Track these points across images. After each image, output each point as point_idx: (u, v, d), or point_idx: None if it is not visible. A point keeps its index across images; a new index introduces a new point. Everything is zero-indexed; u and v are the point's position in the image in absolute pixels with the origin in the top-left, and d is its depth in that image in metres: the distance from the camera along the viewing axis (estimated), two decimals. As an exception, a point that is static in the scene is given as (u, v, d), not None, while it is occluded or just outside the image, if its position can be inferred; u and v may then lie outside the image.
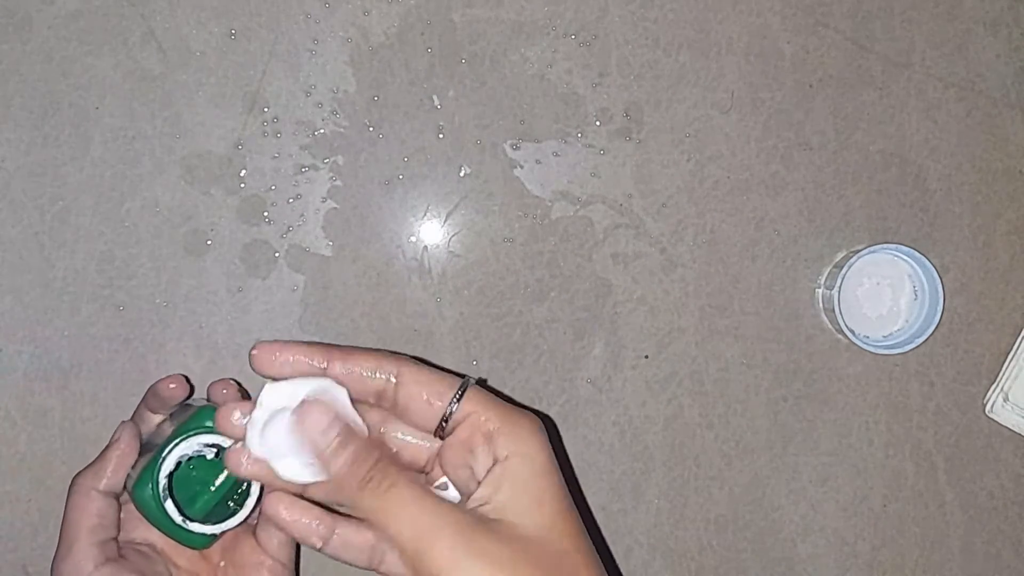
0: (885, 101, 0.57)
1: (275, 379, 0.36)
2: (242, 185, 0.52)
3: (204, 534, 0.42)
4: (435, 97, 0.54)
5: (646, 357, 0.55)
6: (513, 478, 0.34)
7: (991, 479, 0.57)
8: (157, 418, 0.47)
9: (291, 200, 0.53)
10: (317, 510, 0.36)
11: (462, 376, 0.37)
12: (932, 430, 0.57)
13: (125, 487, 0.43)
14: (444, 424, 0.36)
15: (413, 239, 0.54)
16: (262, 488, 0.43)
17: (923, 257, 0.55)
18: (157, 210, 0.52)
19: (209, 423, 0.43)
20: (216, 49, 0.52)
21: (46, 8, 0.51)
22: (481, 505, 0.34)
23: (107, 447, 0.44)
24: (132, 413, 0.47)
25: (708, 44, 0.55)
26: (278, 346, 0.36)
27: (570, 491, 0.36)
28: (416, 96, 0.53)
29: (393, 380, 0.36)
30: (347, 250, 0.53)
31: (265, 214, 0.53)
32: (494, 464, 0.35)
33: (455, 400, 0.36)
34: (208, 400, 0.46)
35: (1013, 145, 0.58)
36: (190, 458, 0.43)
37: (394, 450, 0.38)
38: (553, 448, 0.36)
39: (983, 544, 0.57)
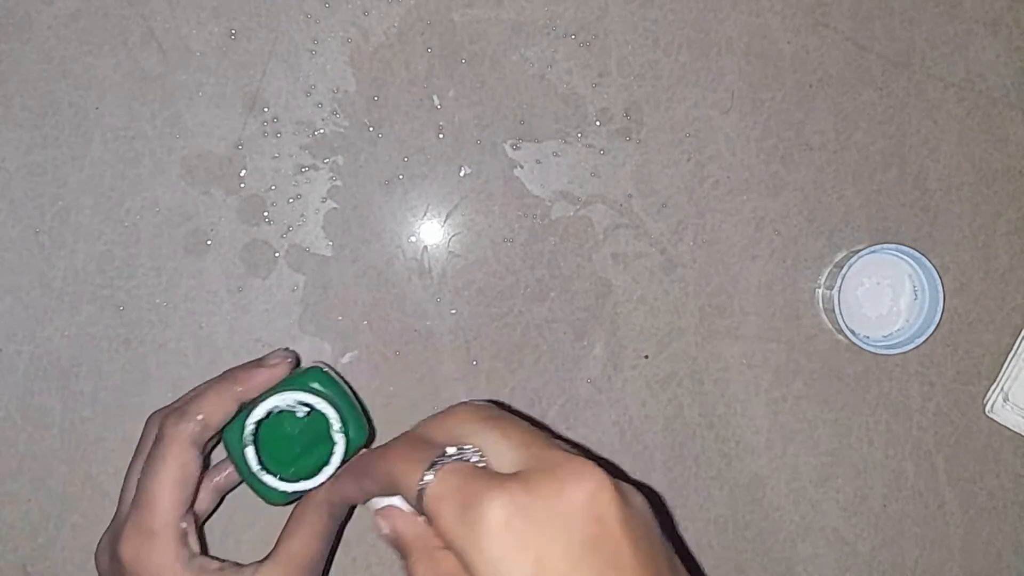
0: (885, 101, 0.57)
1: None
2: (242, 185, 0.52)
3: (276, 489, 0.42)
4: (435, 97, 0.54)
5: (646, 357, 0.55)
6: None
7: (991, 479, 0.57)
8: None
9: (291, 200, 0.53)
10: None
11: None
12: (932, 430, 0.57)
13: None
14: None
15: (413, 239, 0.54)
16: (343, 461, 0.43)
17: (923, 257, 0.55)
18: (157, 210, 0.52)
19: (315, 384, 0.43)
20: (216, 49, 0.52)
21: (46, 8, 0.51)
22: None
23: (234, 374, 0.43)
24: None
25: (708, 44, 0.55)
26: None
27: None
28: (416, 96, 0.53)
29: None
30: (347, 250, 0.53)
31: (265, 214, 0.53)
32: None
33: None
34: (323, 364, 0.46)
35: (1013, 145, 0.58)
36: (282, 411, 0.43)
37: None
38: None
39: (983, 544, 0.57)
